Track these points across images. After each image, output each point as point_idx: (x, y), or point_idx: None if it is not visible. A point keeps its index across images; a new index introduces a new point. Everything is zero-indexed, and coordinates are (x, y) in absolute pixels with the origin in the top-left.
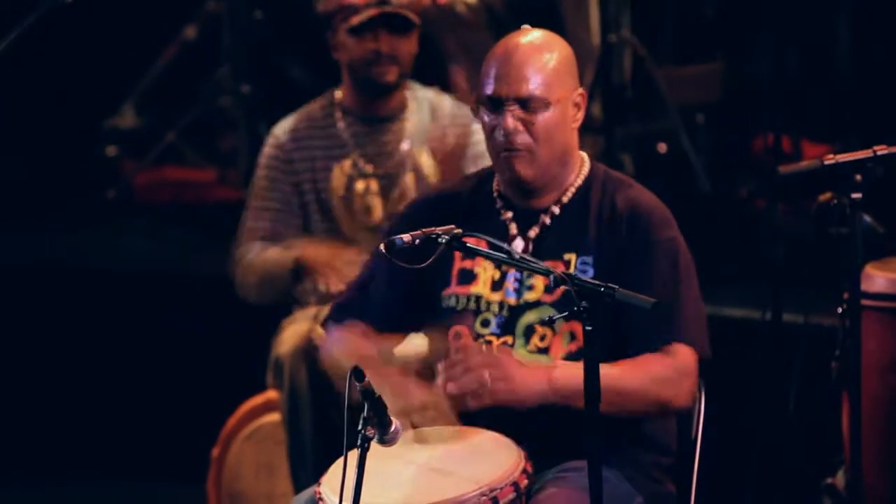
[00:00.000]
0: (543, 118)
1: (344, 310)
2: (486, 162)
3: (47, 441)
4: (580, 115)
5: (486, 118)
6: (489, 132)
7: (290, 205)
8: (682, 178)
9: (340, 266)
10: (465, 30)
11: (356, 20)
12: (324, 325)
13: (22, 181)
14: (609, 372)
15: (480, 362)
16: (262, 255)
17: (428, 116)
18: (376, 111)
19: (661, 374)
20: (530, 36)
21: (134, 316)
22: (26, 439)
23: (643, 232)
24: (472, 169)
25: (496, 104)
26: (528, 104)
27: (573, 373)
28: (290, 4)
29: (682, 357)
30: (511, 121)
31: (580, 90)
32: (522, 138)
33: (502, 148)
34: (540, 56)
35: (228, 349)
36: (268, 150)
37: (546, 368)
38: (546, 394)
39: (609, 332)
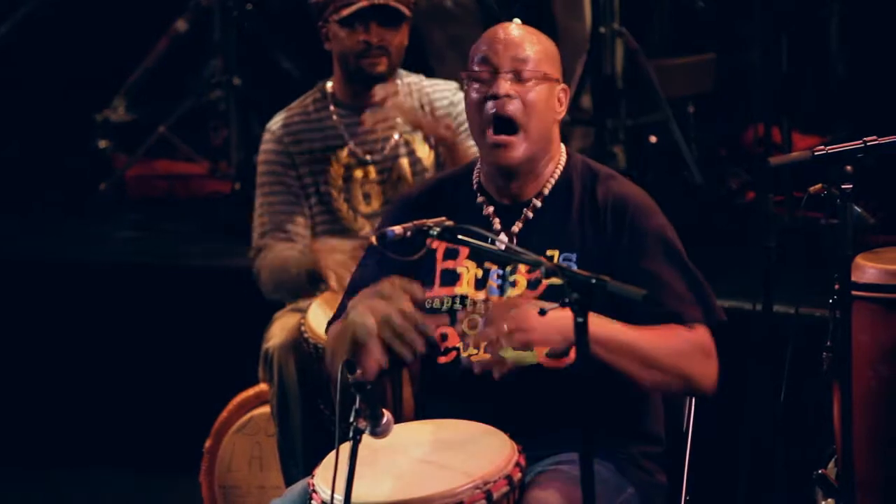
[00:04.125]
0: (536, 90)
1: (337, 318)
2: None
3: (39, 434)
4: (562, 110)
5: (474, 92)
6: (477, 106)
7: (297, 195)
8: (674, 170)
9: (350, 263)
10: (454, 24)
11: (346, 12)
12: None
13: (13, 174)
14: (637, 334)
15: (501, 315)
16: (277, 255)
17: (416, 101)
18: (367, 100)
19: (689, 348)
20: (521, 24)
21: (126, 309)
22: (17, 432)
23: (630, 225)
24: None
25: (490, 71)
26: (521, 73)
27: (602, 321)
28: None
29: (702, 335)
30: (504, 85)
31: (563, 85)
32: (515, 105)
33: (491, 122)
34: (533, 37)
35: (220, 342)
36: (266, 146)
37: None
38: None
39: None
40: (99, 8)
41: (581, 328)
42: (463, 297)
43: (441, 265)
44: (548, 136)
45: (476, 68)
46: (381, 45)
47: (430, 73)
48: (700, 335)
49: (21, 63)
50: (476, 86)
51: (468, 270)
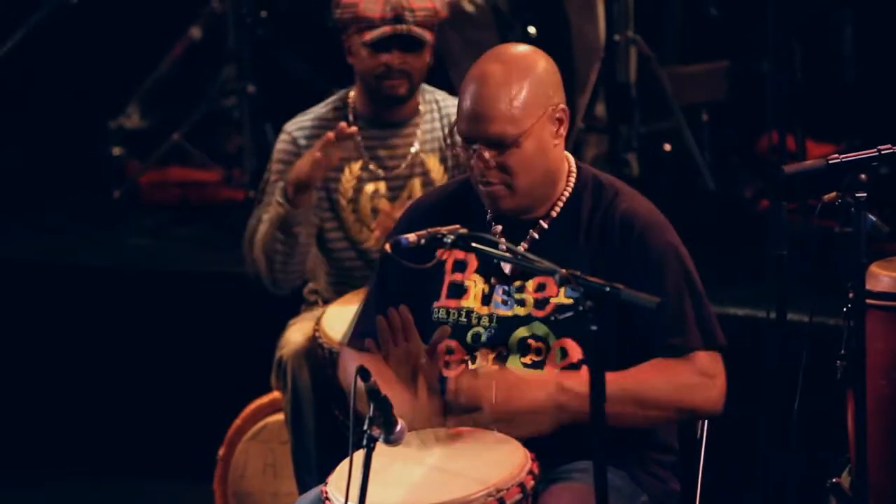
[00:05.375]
0: (515, 155)
1: (354, 335)
2: None
3: (52, 440)
4: (563, 130)
5: (462, 152)
6: (468, 164)
7: None
8: (687, 178)
9: (319, 155)
10: (471, 28)
11: (369, 37)
12: (344, 344)
13: (27, 180)
14: (629, 380)
15: (484, 383)
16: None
17: (438, 121)
18: (388, 117)
19: (685, 380)
20: (500, 64)
21: (140, 316)
22: (30, 438)
23: (637, 243)
24: None
25: (468, 141)
26: (497, 144)
27: (584, 380)
28: (295, 4)
29: (704, 361)
30: (479, 162)
31: (559, 105)
32: (495, 175)
33: (478, 182)
34: (508, 90)
35: (234, 349)
36: (280, 146)
37: (553, 377)
38: (557, 400)
39: (615, 338)
40: (113, 14)
41: (594, 337)
42: (469, 311)
43: (449, 277)
44: (543, 173)
45: (458, 130)
46: (402, 69)
47: (446, 77)
48: (699, 361)
49: (35, 69)
50: (462, 147)
51: (475, 284)
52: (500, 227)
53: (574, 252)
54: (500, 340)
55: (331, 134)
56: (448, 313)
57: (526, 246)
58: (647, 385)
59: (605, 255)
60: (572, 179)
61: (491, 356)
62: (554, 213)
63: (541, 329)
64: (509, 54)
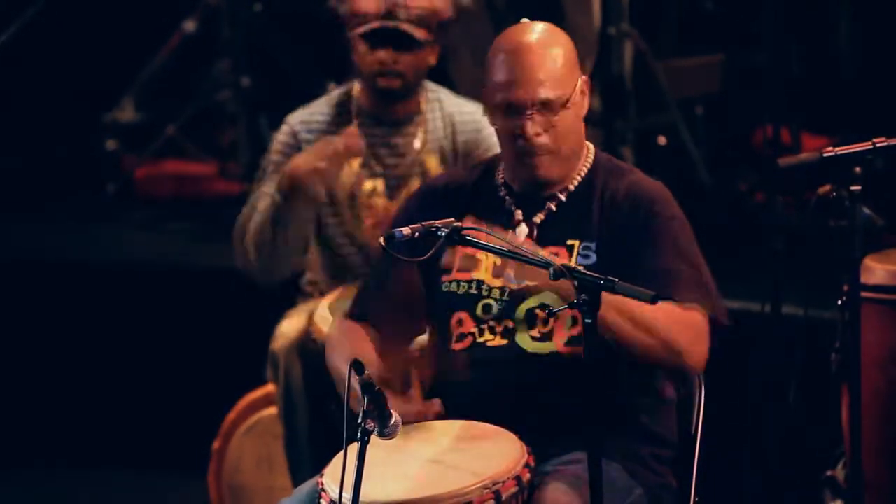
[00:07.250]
0: (563, 118)
1: (355, 306)
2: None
3: (48, 435)
4: (586, 103)
5: (500, 124)
6: (506, 136)
7: None
8: (682, 171)
9: (323, 166)
10: (468, 21)
11: (361, 30)
12: (342, 319)
13: (22, 175)
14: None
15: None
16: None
17: (440, 120)
18: (390, 114)
19: (682, 319)
20: (533, 34)
21: (135, 309)
22: (26, 433)
23: (644, 213)
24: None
25: (514, 111)
26: (547, 107)
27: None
28: None
29: (698, 317)
30: (532, 126)
31: (583, 77)
32: (544, 140)
33: (524, 153)
34: (549, 54)
35: (229, 342)
36: (281, 136)
37: None
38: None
39: None
40: (107, 8)
41: (590, 329)
42: (479, 283)
43: (461, 250)
44: (578, 145)
45: (498, 101)
46: (394, 67)
47: (445, 69)
48: (696, 316)
49: (29, 63)
50: (500, 118)
51: (487, 257)
52: (514, 200)
53: (587, 225)
54: (510, 313)
55: (340, 145)
56: (458, 285)
57: (542, 217)
58: (646, 308)
59: (613, 227)
60: (590, 157)
61: (499, 329)
62: (571, 187)
63: (550, 298)
64: (537, 26)
